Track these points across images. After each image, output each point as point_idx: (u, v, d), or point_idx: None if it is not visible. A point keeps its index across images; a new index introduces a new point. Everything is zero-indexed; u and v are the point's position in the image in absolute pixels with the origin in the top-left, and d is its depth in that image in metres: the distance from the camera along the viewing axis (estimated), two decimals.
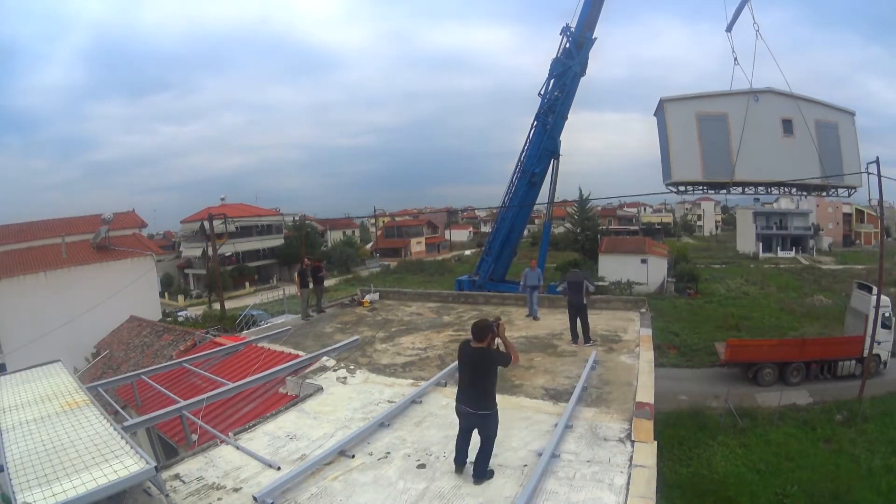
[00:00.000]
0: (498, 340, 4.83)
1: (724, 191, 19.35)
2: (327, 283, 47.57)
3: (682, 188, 19.33)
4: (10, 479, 3.87)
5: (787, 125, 17.28)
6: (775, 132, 17.37)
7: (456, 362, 8.09)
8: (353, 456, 5.24)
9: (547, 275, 19.98)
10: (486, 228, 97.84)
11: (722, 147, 17.51)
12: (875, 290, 17.95)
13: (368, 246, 73.18)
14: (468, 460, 4.79)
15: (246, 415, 7.31)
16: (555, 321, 11.50)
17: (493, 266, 20.74)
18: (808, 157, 17.17)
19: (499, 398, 6.80)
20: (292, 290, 20.20)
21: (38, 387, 6.25)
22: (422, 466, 5.01)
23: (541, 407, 6.46)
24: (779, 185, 18.86)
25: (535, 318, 12.11)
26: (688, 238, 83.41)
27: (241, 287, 46.62)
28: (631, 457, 4.96)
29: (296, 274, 13.55)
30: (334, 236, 72.35)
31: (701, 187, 19.43)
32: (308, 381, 7.75)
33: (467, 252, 66.87)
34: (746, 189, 19.42)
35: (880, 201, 21.02)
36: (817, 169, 17.06)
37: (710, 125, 17.60)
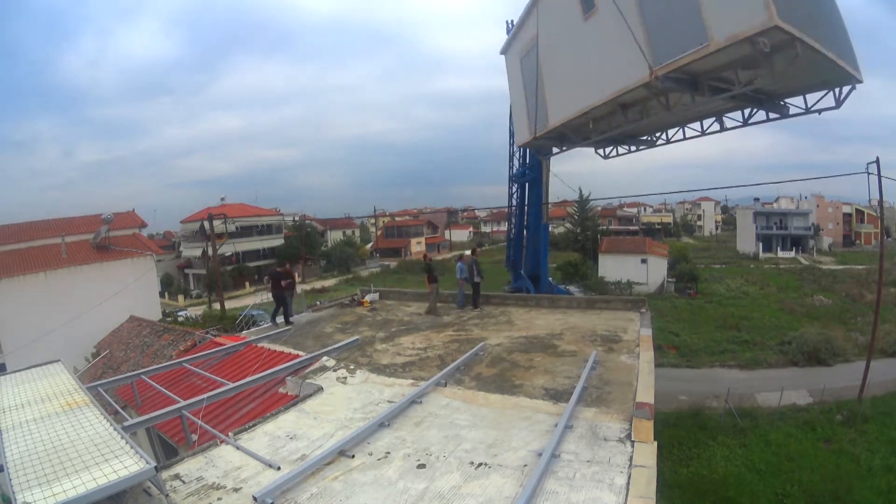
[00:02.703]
0: None
1: (596, 147, 14.00)
2: (328, 283, 47.62)
3: (540, 152, 15.68)
4: (10, 479, 3.87)
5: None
6: (574, 20, 10.06)
7: (455, 362, 8.15)
8: (353, 456, 5.24)
9: (548, 275, 19.93)
10: (485, 228, 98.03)
11: (538, 86, 12.21)
12: None
13: (368, 246, 73.22)
14: None
15: (246, 415, 7.31)
16: (554, 321, 11.49)
17: (519, 261, 20.41)
18: (622, 40, 8.58)
19: (498, 398, 6.86)
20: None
21: (38, 387, 6.25)
22: (422, 466, 5.01)
23: (541, 407, 6.46)
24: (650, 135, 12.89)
25: (460, 307, 13.21)
26: (688, 238, 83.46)
27: (241, 287, 46.63)
28: (631, 457, 4.95)
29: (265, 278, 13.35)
30: (334, 236, 72.40)
31: (551, 147, 14.96)
32: (308, 381, 7.75)
33: (467, 252, 66.83)
34: (604, 148, 13.92)
35: (880, 201, 21.01)
36: (639, 56, 8.28)
37: (528, 62, 12.59)
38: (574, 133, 12.38)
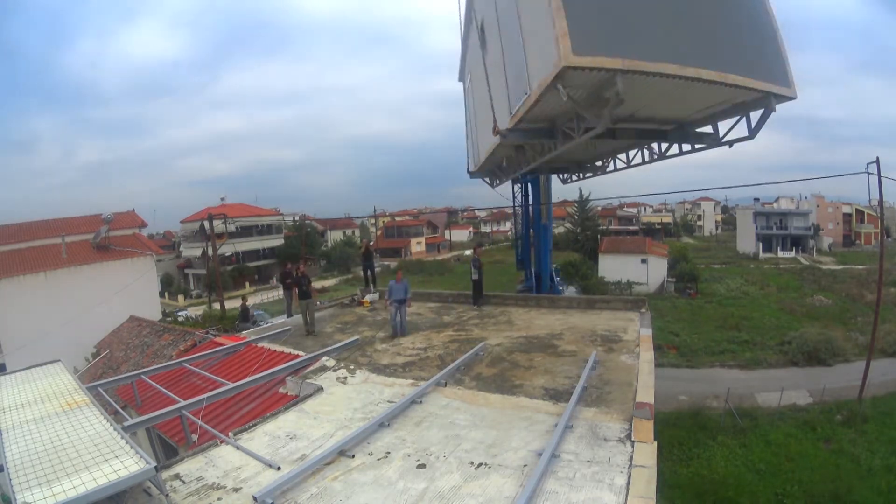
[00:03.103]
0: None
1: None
2: (328, 283, 47.54)
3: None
4: (10, 479, 3.87)
5: (482, 33, 8.91)
6: (479, 58, 9.47)
7: (456, 362, 8.15)
8: (353, 456, 5.24)
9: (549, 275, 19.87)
10: (485, 228, 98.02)
11: (475, 119, 11.47)
12: None
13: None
14: None
15: (246, 415, 7.31)
16: (554, 321, 11.49)
17: (528, 259, 20.43)
18: (505, 73, 7.94)
19: (498, 398, 6.86)
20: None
21: (38, 387, 6.25)
22: (422, 466, 5.01)
23: (541, 407, 6.46)
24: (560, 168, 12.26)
25: (402, 336, 10.27)
26: (688, 238, 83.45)
27: (242, 287, 46.63)
28: (631, 457, 4.95)
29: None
30: (334, 236, 72.38)
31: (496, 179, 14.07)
32: (308, 381, 7.75)
33: (467, 252, 66.84)
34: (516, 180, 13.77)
35: (880, 201, 21.02)
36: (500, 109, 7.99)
37: (468, 94, 12.02)
38: (500, 171, 12.05)
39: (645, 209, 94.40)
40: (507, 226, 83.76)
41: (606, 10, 5.03)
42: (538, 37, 5.63)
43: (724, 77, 5.91)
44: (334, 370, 8.30)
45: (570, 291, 24.52)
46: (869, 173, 16.93)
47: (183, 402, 6.88)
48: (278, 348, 9.73)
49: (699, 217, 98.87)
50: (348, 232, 77.47)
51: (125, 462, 4.05)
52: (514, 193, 20.12)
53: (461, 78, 13.22)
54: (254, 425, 6.19)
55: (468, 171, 16.31)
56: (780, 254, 58.46)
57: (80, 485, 3.73)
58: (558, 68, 4.97)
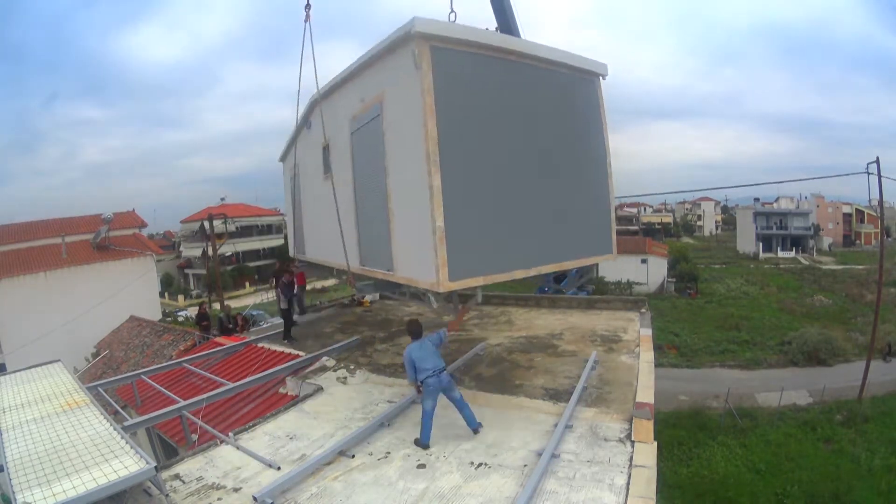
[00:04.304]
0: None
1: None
2: (328, 283, 47.46)
3: None
4: (10, 479, 3.88)
5: (327, 154, 8.47)
6: (318, 175, 9.17)
7: (456, 362, 8.14)
8: (353, 456, 5.24)
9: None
10: None
11: (300, 211, 11.27)
12: None
13: None
14: None
15: (246, 415, 7.31)
16: (554, 321, 11.49)
17: None
18: (357, 220, 7.60)
19: (499, 398, 6.85)
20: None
21: (38, 387, 6.26)
22: (422, 466, 5.01)
23: (541, 407, 6.45)
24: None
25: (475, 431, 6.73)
26: (688, 238, 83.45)
27: (241, 287, 46.64)
28: (631, 457, 4.95)
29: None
30: None
31: None
32: (308, 381, 7.75)
33: None
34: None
35: (880, 201, 21.04)
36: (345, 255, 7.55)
37: (291, 182, 11.67)
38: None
39: (645, 209, 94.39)
40: None
41: (475, 240, 5.73)
42: (410, 236, 6.05)
43: (560, 266, 7.15)
44: (334, 370, 8.30)
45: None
46: (869, 173, 16.97)
47: (183, 402, 6.88)
48: (278, 348, 9.73)
49: (699, 217, 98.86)
50: None
51: (125, 462, 4.05)
52: None
53: (283, 159, 12.66)
54: (254, 425, 6.20)
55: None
56: (780, 254, 58.46)
57: (80, 485, 3.73)
58: (436, 288, 5.60)
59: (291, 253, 12.26)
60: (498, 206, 5.98)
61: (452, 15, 7.92)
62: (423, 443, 5.15)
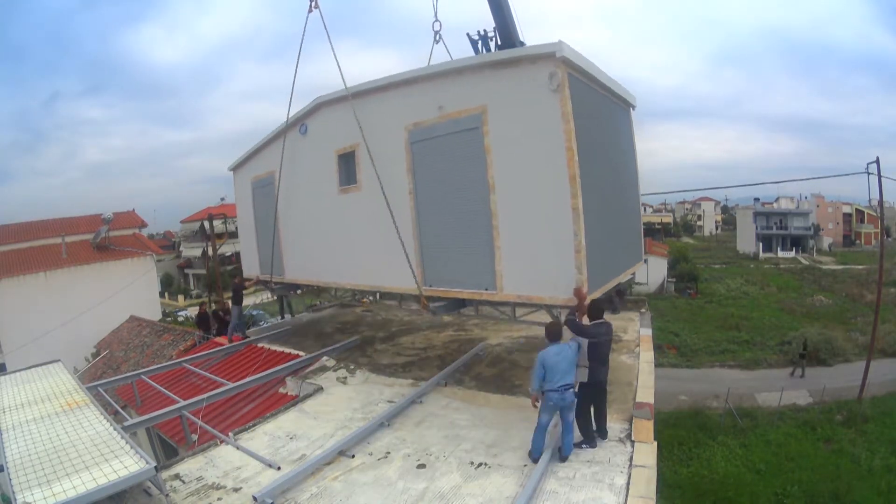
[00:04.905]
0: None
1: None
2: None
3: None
4: (10, 479, 3.88)
5: (350, 163, 8.18)
6: (331, 186, 8.61)
7: (456, 362, 8.14)
8: (353, 456, 5.25)
9: None
10: None
11: (275, 226, 10.25)
12: None
13: None
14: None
15: (246, 415, 7.31)
16: None
17: None
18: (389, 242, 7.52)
19: (498, 398, 6.85)
20: None
21: (38, 387, 6.26)
22: (422, 466, 5.01)
23: None
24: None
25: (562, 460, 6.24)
26: (688, 238, 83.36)
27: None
28: (631, 457, 4.95)
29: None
30: None
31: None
32: (308, 381, 7.75)
33: None
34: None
35: (880, 201, 21.04)
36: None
37: (262, 193, 10.74)
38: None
39: (645, 209, 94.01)
40: None
41: (595, 254, 5.96)
42: (533, 255, 6.02)
43: (623, 275, 7.62)
44: (334, 370, 8.30)
45: None
46: (869, 173, 16.97)
47: (183, 402, 6.88)
48: (278, 348, 9.73)
49: (699, 217, 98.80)
50: None
51: (125, 462, 4.06)
52: None
53: (234, 169, 11.76)
54: (254, 425, 6.20)
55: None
56: (780, 254, 58.42)
57: (80, 485, 3.73)
58: (570, 303, 5.94)
59: (259, 272, 11.22)
60: (602, 222, 6.32)
61: (437, 24, 8.36)
62: (534, 457, 4.93)
